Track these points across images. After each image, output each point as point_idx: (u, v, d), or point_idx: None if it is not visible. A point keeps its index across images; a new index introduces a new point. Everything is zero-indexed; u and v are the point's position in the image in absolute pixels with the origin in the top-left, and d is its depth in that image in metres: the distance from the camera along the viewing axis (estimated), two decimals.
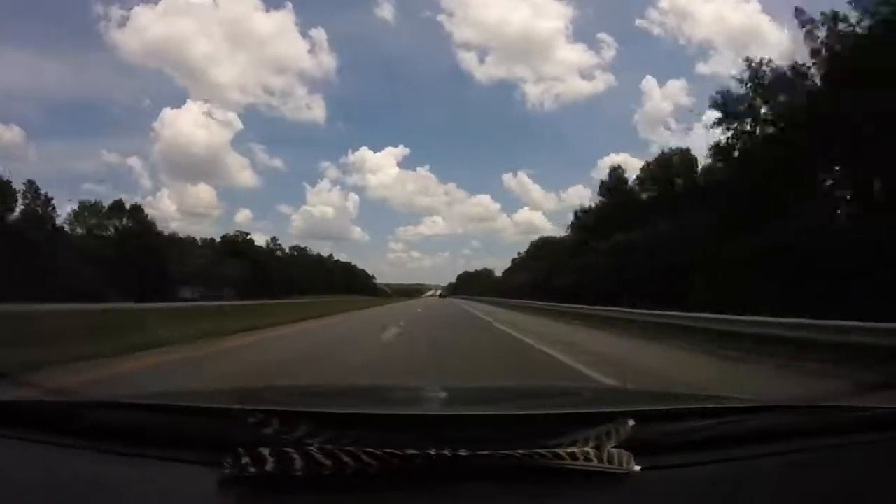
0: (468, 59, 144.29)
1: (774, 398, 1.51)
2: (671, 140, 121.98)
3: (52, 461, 1.00)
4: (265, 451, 0.83)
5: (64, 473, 0.97)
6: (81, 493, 0.92)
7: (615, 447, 0.89)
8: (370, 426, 0.95)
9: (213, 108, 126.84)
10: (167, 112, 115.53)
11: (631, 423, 0.91)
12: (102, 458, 0.98)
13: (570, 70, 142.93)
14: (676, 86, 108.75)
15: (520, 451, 0.86)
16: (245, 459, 0.83)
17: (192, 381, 6.46)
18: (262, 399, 1.62)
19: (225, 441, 0.88)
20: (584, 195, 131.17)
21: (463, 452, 0.85)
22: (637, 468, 0.88)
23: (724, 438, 1.05)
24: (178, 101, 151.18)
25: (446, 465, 0.85)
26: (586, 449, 0.88)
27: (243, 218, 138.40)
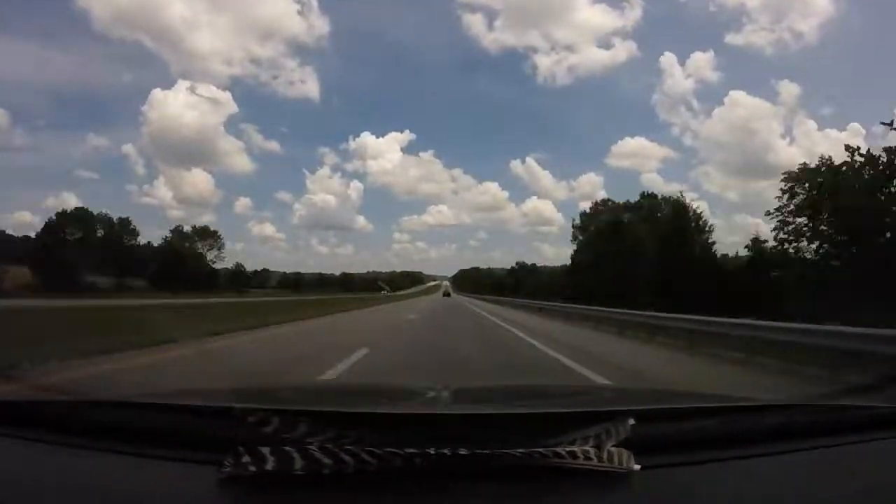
0: (475, 23, 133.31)
1: (775, 398, 1.51)
2: (692, 122, 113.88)
3: (52, 461, 1.00)
4: (265, 451, 0.84)
5: (64, 473, 0.97)
6: (81, 493, 0.92)
7: (615, 446, 0.89)
8: (370, 425, 0.95)
9: (202, 86, 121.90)
10: (155, 92, 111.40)
11: (631, 422, 0.91)
12: (102, 458, 0.98)
13: (587, 36, 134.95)
14: (702, 59, 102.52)
15: (520, 451, 0.86)
16: (245, 458, 0.83)
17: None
18: (263, 398, 1.62)
19: (225, 440, 0.88)
20: (595, 183, 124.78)
21: (463, 451, 0.85)
22: (637, 467, 0.88)
23: (724, 438, 1.05)
24: (164, 77, 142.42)
25: (446, 465, 0.85)
26: (586, 448, 0.88)
27: (243, 207, 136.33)
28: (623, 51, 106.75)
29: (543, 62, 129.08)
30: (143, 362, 7.09)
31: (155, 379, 5.74)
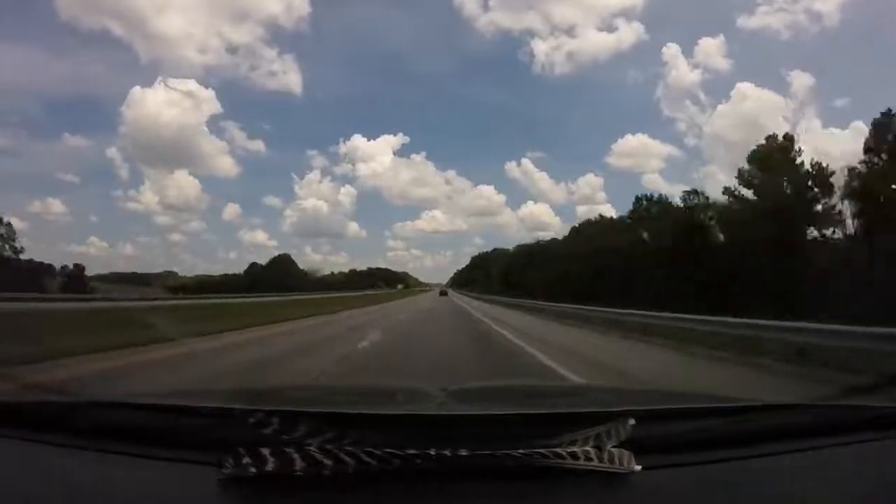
0: (468, 2, 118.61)
1: (774, 398, 1.51)
2: (699, 117, 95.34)
3: (53, 461, 1.00)
4: (266, 451, 0.84)
5: (64, 473, 0.97)
6: (82, 493, 0.92)
7: (616, 446, 0.89)
8: (370, 426, 0.95)
9: (185, 81, 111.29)
10: (135, 90, 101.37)
11: (632, 422, 0.91)
12: (103, 458, 0.99)
13: (588, 16, 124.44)
14: (711, 45, 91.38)
15: (520, 451, 0.86)
16: (246, 459, 0.83)
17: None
18: (263, 399, 1.63)
19: (226, 441, 0.88)
20: (595, 185, 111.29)
21: (463, 452, 0.85)
22: (637, 468, 0.88)
23: (724, 438, 1.05)
24: (140, 72, 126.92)
25: (447, 465, 0.85)
26: (587, 448, 0.88)
27: (232, 213, 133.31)
28: (629, 33, 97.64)
29: (541, 48, 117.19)
30: None
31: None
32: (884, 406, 1.25)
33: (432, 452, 0.85)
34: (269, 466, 0.83)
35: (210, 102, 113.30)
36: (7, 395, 1.59)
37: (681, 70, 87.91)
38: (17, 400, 1.33)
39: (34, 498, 0.90)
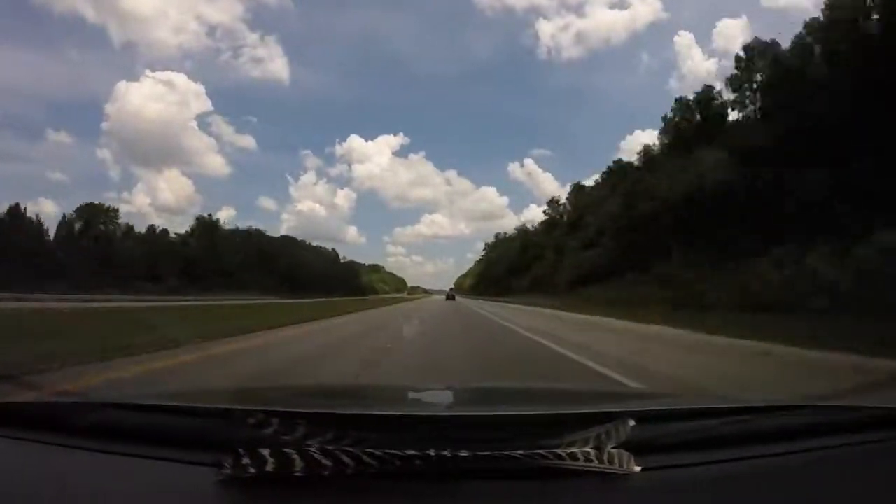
0: None
1: (775, 398, 1.51)
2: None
3: (53, 461, 1.00)
4: (265, 452, 0.84)
5: (64, 473, 0.97)
6: (82, 493, 0.92)
7: (615, 447, 0.89)
8: (370, 427, 0.95)
9: (177, 75, 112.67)
10: (120, 84, 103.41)
11: (631, 423, 0.91)
12: (102, 459, 0.99)
13: None
14: (732, 26, 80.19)
15: (520, 452, 0.86)
16: (245, 460, 0.83)
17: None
18: (263, 399, 1.63)
19: (225, 441, 0.88)
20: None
21: (463, 453, 0.85)
22: (637, 468, 0.88)
23: (723, 439, 1.05)
24: (123, 66, 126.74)
25: (447, 466, 0.85)
26: (586, 449, 0.88)
27: (227, 216, 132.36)
28: (643, 11, 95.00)
29: (546, 30, 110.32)
30: None
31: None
32: (884, 406, 1.25)
33: (432, 453, 0.85)
34: (269, 467, 0.83)
35: (201, 98, 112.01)
36: (7, 395, 1.59)
37: (696, 59, 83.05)
38: (17, 400, 1.34)
39: (34, 498, 0.90)
